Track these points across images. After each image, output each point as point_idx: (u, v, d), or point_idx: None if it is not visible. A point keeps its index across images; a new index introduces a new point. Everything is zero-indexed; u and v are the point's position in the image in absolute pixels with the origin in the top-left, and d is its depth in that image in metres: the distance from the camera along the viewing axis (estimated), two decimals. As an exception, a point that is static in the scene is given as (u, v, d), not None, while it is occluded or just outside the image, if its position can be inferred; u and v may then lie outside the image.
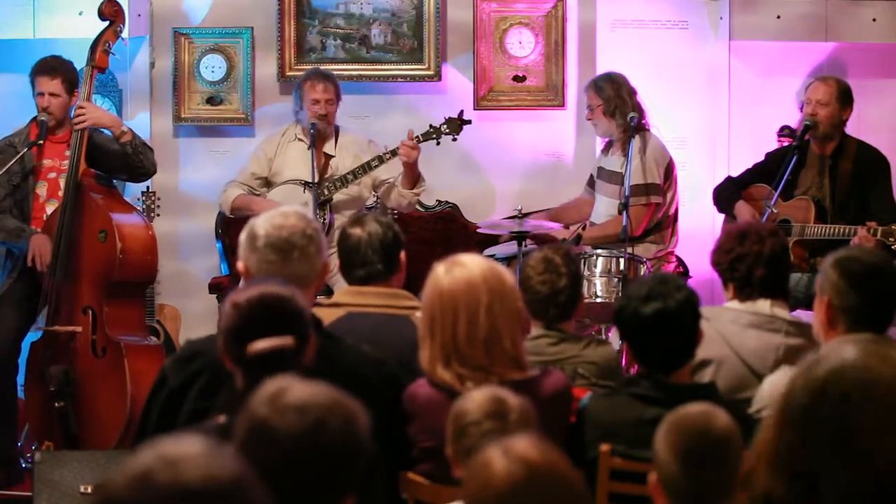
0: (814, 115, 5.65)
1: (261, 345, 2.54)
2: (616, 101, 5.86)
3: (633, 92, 5.92)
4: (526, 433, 2.44)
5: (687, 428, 2.41)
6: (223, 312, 2.61)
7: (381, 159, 5.85)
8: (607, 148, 6.10)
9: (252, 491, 1.47)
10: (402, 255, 3.69)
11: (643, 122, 5.88)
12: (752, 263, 3.61)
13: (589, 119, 6.03)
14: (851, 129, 5.84)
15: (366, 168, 5.86)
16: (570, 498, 1.87)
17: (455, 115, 5.92)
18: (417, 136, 5.81)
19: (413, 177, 5.81)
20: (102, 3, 5.69)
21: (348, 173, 5.87)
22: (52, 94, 5.57)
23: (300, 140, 5.99)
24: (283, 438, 1.85)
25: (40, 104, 5.58)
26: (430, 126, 5.89)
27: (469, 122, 5.96)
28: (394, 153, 5.80)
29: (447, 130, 5.89)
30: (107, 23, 5.66)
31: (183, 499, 1.42)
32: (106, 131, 5.64)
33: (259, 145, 6.13)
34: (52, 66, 5.60)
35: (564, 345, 3.67)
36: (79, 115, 5.52)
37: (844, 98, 5.70)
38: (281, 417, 1.86)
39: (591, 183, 6.21)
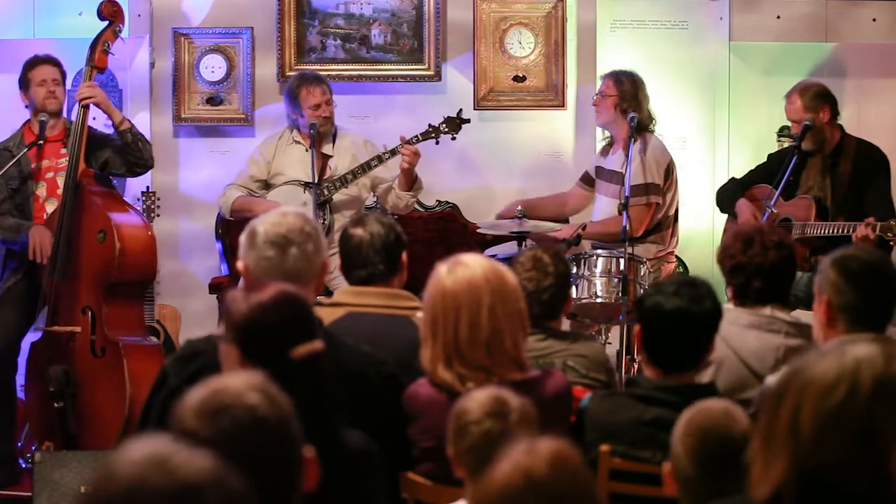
0: (795, 132, 5.68)
1: (303, 349, 2.50)
2: (631, 101, 5.86)
3: (648, 97, 5.93)
4: (526, 433, 2.45)
5: (708, 431, 2.40)
6: (236, 310, 2.49)
7: (380, 159, 5.84)
8: (607, 148, 6.09)
9: (228, 483, 1.47)
10: (404, 256, 3.69)
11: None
12: (751, 274, 3.61)
13: (595, 105, 5.99)
14: (852, 128, 5.83)
15: (365, 168, 5.85)
16: (583, 493, 1.85)
17: (454, 115, 5.93)
18: (417, 136, 5.81)
19: (410, 179, 5.81)
20: (102, 4, 5.69)
21: (348, 173, 5.87)
22: (55, 80, 5.59)
23: (297, 143, 5.99)
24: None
25: (42, 94, 5.54)
26: (429, 125, 5.89)
27: (468, 120, 5.97)
28: (393, 153, 5.79)
29: (446, 130, 5.90)
30: (106, 23, 5.67)
31: (164, 498, 1.43)
32: (106, 124, 5.65)
33: (256, 149, 6.12)
34: (50, 57, 5.64)
35: (551, 341, 3.68)
36: (86, 92, 5.52)
37: (815, 103, 5.64)
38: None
39: (585, 179, 6.20)
